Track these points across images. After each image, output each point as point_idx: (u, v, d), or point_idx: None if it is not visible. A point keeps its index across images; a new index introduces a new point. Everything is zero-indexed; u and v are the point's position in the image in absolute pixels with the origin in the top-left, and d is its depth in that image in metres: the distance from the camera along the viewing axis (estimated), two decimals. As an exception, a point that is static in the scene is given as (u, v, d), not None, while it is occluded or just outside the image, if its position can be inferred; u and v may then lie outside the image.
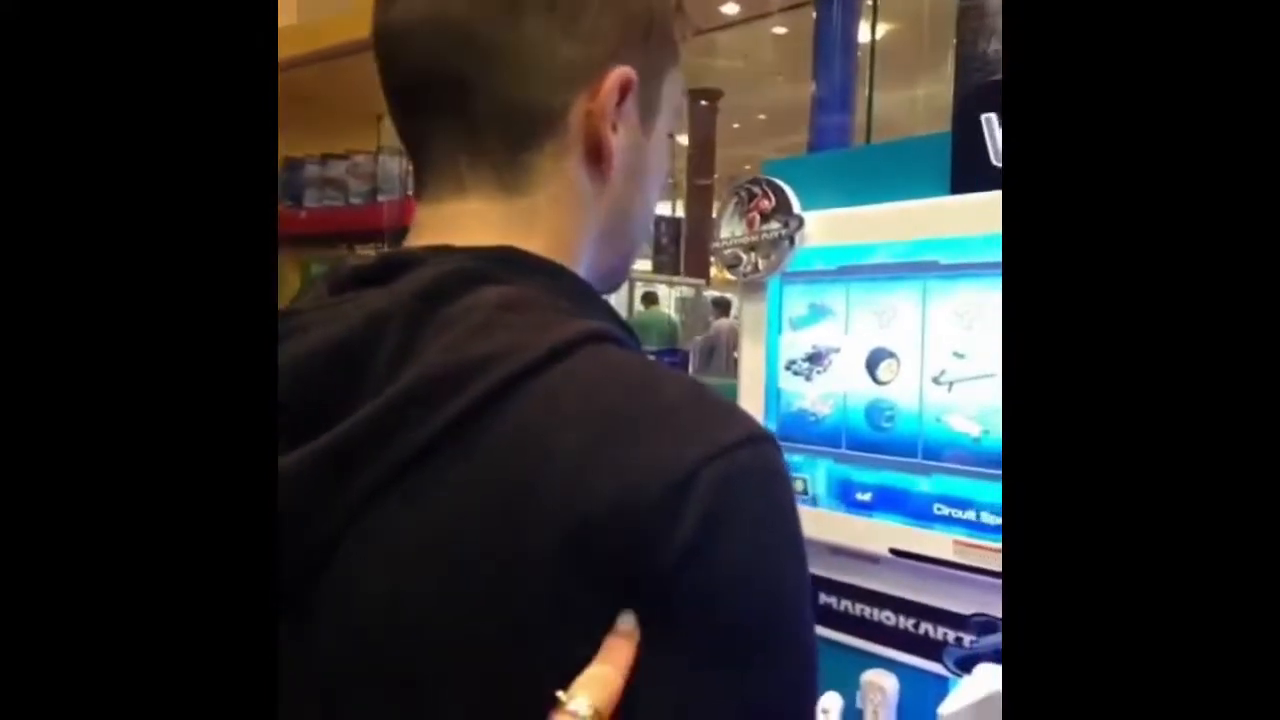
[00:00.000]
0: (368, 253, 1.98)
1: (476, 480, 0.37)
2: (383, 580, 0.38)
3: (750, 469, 0.38)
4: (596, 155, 0.47)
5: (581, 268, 0.48)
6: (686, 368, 4.82)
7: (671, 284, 8.23)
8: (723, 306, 7.09)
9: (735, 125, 10.30)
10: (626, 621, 0.36)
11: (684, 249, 9.59)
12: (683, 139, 9.29)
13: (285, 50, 1.87)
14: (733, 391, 1.03)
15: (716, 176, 10.02)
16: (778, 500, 0.39)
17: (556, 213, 0.47)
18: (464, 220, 0.46)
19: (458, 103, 0.45)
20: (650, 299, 7.39)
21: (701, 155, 9.82)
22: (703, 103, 9.41)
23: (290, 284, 2.06)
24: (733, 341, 6.06)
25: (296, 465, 0.38)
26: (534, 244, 0.45)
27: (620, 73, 0.46)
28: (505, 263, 0.44)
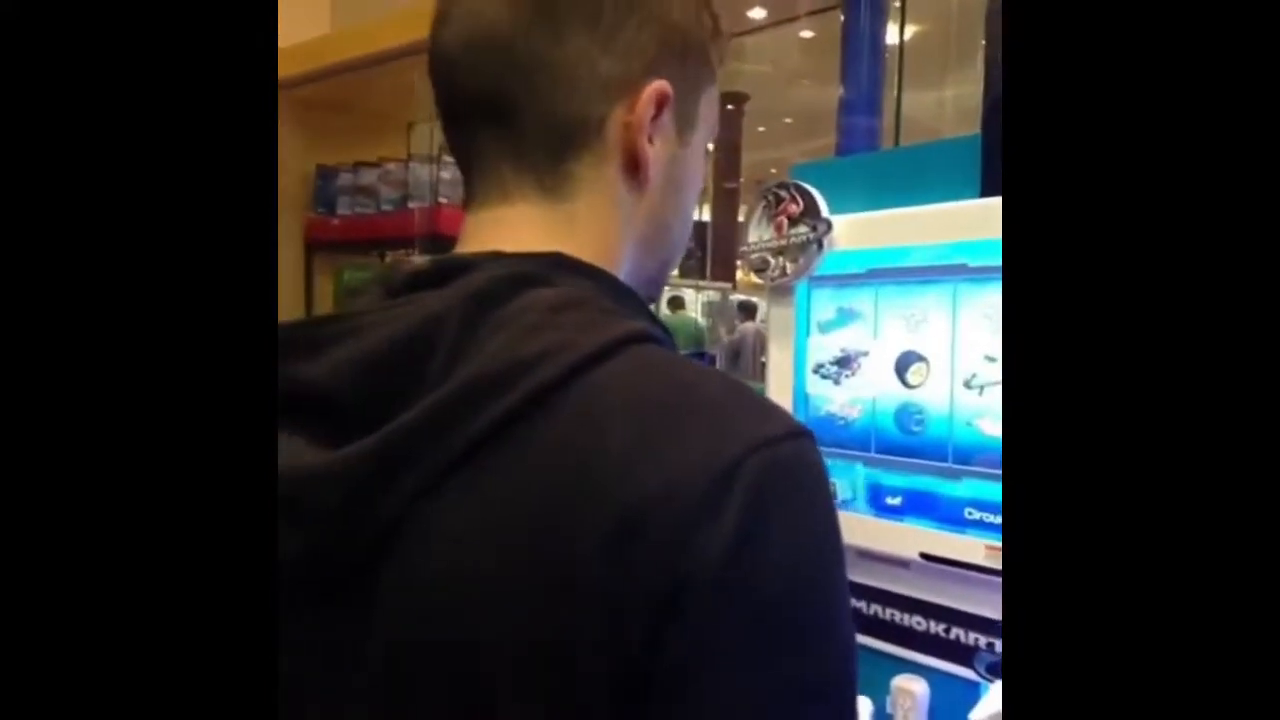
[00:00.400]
0: (400, 258, 2.01)
1: (527, 474, 0.39)
2: (439, 569, 0.39)
3: (791, 462, 0.39)
4: (633, 165, 0.48)
5: (621, 275, 0.49)
6: (713, 371, 4.79)
7: (698, 288, 8.23)
8: (748, 310, 7.08)
9: (761, 129, 10.28)
10: None
11: (710, 253, 9.58)
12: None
13: (318, 60, 1.91)
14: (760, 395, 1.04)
15: (742, 180, 10.00)
16: (817, 492, 0.40)
17: (596, 219, 0.49)
18: (509, 226, 0.48)
19: (503, 116, 0.47)
20: (676, 303, 7.39)
21: (727, 159, 9.81)
22: (729, 106, 9.40)
23: (324, 290, 2.09)
24: (759, 345, 6.04)
25: (355, 459, 0.40)
26: (575, 248, 0.47)
27: (657, 86, 0.48)
28: (553, 266, 0.45)
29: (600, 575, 0.36)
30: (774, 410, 0.41)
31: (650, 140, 0.48)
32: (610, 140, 0.48)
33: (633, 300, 0.48)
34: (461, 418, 0.39)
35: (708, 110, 0.53)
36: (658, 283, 0.55)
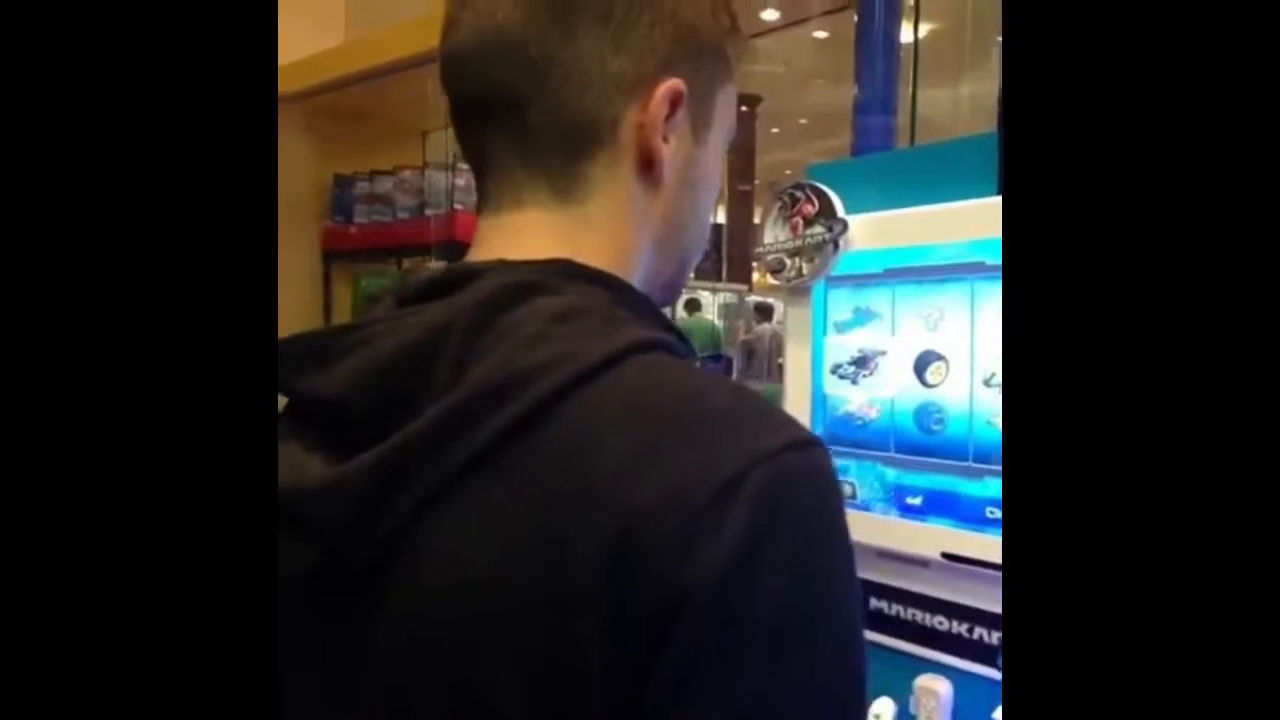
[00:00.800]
0: (417, 265, 2.02)
1: (528, 484, 0.39)
2: (442, 579, 0.40)
3: (797, 473, 0.38)
4: (648, 165, 0.48)
5: (637, 278, 0.49)
6: (730, 372, 4.81)
7: (714, 290, 8.22)
8: (764, 312, 7.06)
9: (775, 130, 10.25)
10: None
11: (725, 255, 9.56)
12: (723, 145, 9.25)
13: (333, 70, 1.92)
14: (777, 396, 1.03)
15: (757, 182, 9.97)
16: (824, 502, 0.39)
17: (610, 220, 0.48)
18: (522, 231, 0.48)
19: (514, 117, 0.47)
20: (694, 306, 7.38)
21: (742, 161, 9.78)
22: (743, 108, 9.34)
23: (343, 298, 2.11)
24: (775, 346, 6.02)
25: (357, 472, 0.40)
26: (589, 251, 0.47)
27: (671, 85, 0.47)
28: (561, 274, 0.45)
29: (600, 584, 0.36)
30: (783, 420, 0.41)
31: (665, 140, 0.48)
32: (624, 141, 0.47)
33: (644, 305, 0.48)
34: (463, 430, 0.39)
35: (725, 110, 0.52)
36: (675, 286, 0.54)
